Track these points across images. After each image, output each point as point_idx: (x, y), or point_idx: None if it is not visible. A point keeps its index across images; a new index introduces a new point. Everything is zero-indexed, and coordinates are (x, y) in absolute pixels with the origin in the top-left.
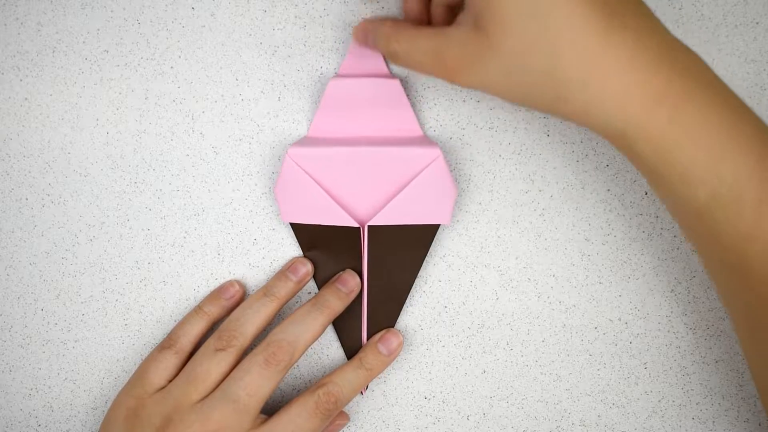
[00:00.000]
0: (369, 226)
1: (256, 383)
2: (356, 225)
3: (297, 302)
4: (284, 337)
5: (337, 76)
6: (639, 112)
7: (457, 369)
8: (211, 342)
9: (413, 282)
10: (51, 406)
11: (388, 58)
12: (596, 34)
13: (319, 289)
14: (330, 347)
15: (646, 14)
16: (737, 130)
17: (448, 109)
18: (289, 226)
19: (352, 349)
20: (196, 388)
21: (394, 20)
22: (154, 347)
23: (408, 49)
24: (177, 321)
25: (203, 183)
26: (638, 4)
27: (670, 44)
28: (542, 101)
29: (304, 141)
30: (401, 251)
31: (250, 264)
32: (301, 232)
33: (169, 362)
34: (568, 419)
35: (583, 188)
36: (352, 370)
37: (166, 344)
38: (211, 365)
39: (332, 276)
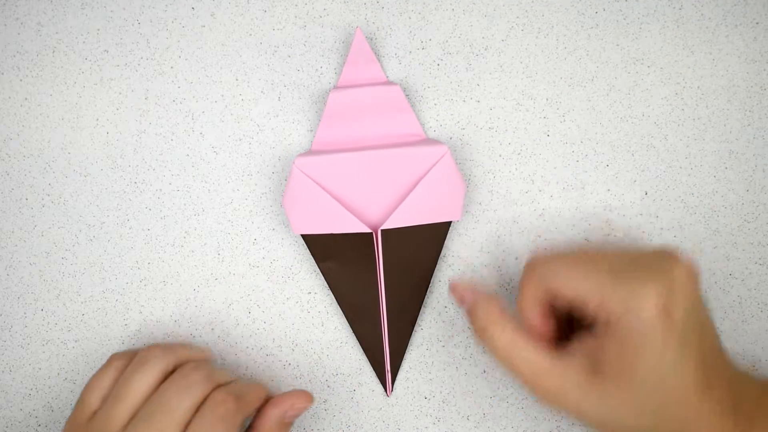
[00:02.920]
0: (382, 230)
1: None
2: (369, 230)
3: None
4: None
5: (337, 87)
6: None
7: (457, 369)
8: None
9: (430, 281)
10: (51, 406)
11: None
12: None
13: (336, 299)
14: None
15: None
16: None
17: (448, 109)
18: (300, 238)
19: (374, 355)
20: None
21: (501, 312)
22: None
23: (506, 355)
24: (177, 321)
25: (203, 183)
26: None
27: None
28: None
29: (309, 152)
30: (416, 252)
31: (250, 264)
32: (314, 243)
33: (105, 381)
34: (568, 419)
35: (583, 188)
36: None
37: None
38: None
39: (349, 286)
